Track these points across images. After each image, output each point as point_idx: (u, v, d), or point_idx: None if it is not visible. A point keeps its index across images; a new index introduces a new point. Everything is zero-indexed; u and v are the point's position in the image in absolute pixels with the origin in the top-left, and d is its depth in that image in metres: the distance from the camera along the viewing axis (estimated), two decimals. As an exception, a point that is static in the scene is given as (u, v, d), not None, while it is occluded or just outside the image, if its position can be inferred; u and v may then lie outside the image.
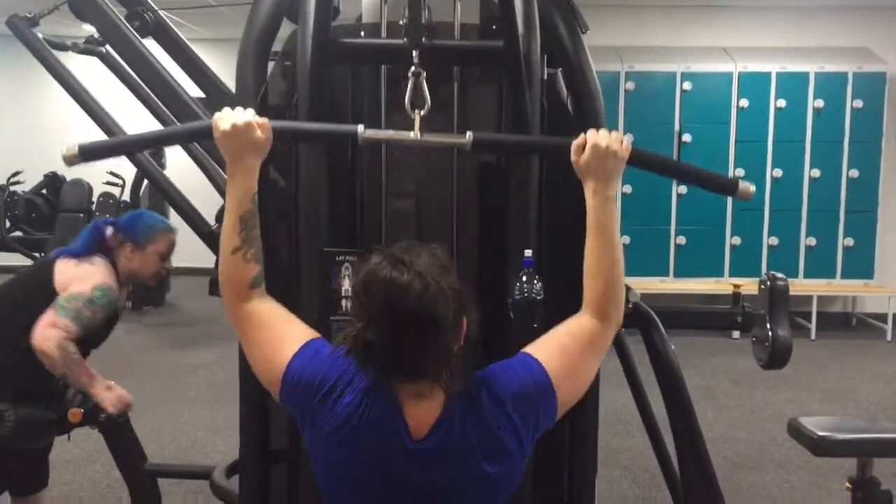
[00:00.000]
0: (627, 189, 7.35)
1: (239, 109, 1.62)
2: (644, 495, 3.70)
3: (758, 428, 4.84)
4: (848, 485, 2.76)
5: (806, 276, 7.53)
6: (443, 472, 1.39)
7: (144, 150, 1.84)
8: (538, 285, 2.03)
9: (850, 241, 7.59)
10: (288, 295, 2.27)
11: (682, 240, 7.62)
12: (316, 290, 2.21)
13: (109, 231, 2.81)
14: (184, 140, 1.80)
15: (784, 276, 2.52)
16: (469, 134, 1.72)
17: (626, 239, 7.23)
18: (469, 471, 1.39)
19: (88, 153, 1.74)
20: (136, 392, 3.48)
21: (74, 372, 2.61)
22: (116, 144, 1.92)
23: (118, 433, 2.82)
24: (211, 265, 2.56)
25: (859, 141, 7.52)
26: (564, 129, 2.29)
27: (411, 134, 1.79)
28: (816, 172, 7.54)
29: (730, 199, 7.59)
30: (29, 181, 8.43)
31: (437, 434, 1.38)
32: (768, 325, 2.45)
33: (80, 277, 2.65)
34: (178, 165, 3.36)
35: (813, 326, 7.41)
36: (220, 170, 2.79)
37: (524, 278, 2.03)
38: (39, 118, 10.22)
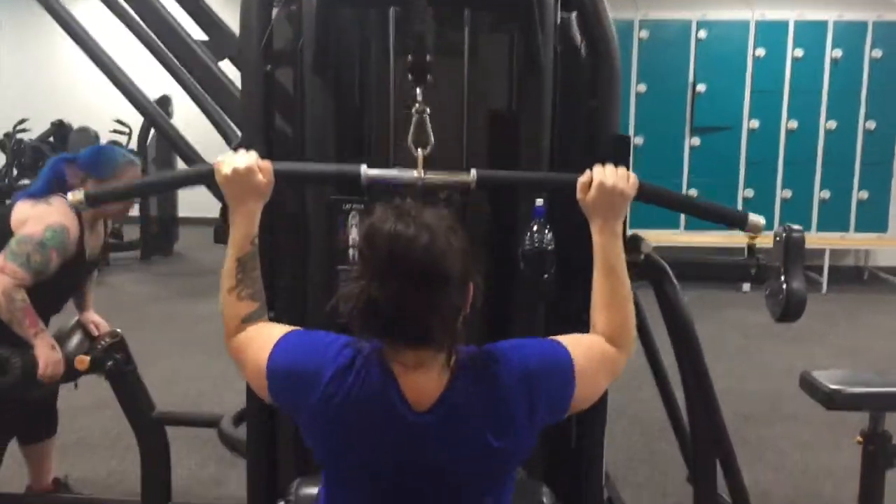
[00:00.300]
0: (639, 140, 7.26)
1: (241, 152, 1.60)
2: (653, 447, 3.70)
3: (767, 381, 4.82)
4: (859, 438, 2.74)
5: (819, 229, 7.47)
6: (446, 446, 1.34)
7: (147, 195, 1.88)
8: (549, 235, 1.99)
9: (864, 194, 7.52)
10: (295, 245, 2.27)
11: (693, 192, 7.53)
12: (323, 239, 2.19)
13: (70, 168, 2.72)
14: (186, 184, 1.84)
15: (800, 228, 2.47)
16: (473, 172, 1.69)
17: (638, 191, 7.16)
18: (474, 445, 1.34)
19: (93, 199, 1.82)
20: (144, 341, 3.49)
21: (19, 320, 2.53)
22: (120, 191, 2.02)
23: (125, 381, 2.82)
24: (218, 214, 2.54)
25: (877, 91, 7.40)
26: (578, 76, 2.24)
27: (414, 173, 1.76)
28: (832, 124, 7.43)
29: (743, 151, 7.52)
30: (35, 129, 8.39)
31: (442, 407, 1.33)
32: (782, 278, 2.41)
33: (34, 218, 2.58)
34: (186, 114, 3.31)
35: (825, 280, 7.37)
36: (229, 120, 2.74)
37: (535, 227, 2.00)
38: (45, 65, 10.14)
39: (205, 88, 2.63)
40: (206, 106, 2.84)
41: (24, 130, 8.34)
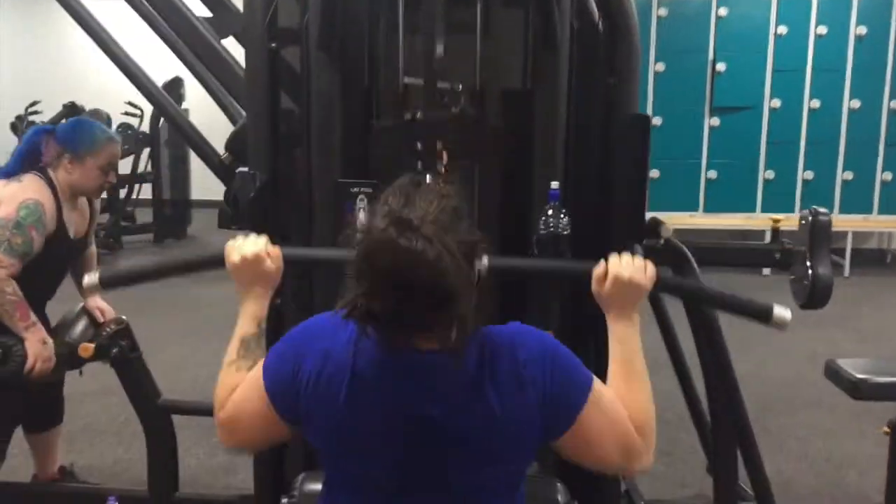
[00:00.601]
0: (657, 121, 7.12)
1: (251, 238, 1.59)
2: (671, 437, 3.61)
3: (789, 367, 4.72)
4: (886, 429, 2.65)
5: (841, 211, 7.31)
6: (453, 398, 1.27)
7: (160, 279, 1.95)
8: (565, 219, 1.94)
9: (888, 176, 7.36)
10: (303, 229, 2.21)
11: (713, 174, 7.41)
12: (330, 223, 2.13)
13: (48, 140, 2.62)
14: (198, 269, 1.89)
15: (827, 212, 2.38)
16: (484, 259, 1.59)
17: (655, 173, 7.04)
18: (478, 405, 1.27)
19: (108, 283, 1.87)
20: (155, 326, 3.43)
21: (9, 313, 2.45)
22: (134, 274, 2.06)
23: (131, 368, 2.76)
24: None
25: (903, 70, 7.22)
26: (595, 53, 2.15)
27: None
28: (856, 103, 7.26)
29: (764, 132, 7.38)
30: (47, 111, 8.35)
31: (452, 353, 1.26)
32: (808, 263, 2.33)
33: (6, 200, 2.48)
34: (198, 95, 3.23)
35: (847, 263, 7.24)
36: (237, 104, 2.67)
37: (550, 212, 1.95)
38: (58, 47, 10.11)
39: (208, 67, 2.56)
40: (212, 86, 2.77)
41: (35, 113, 8.31)
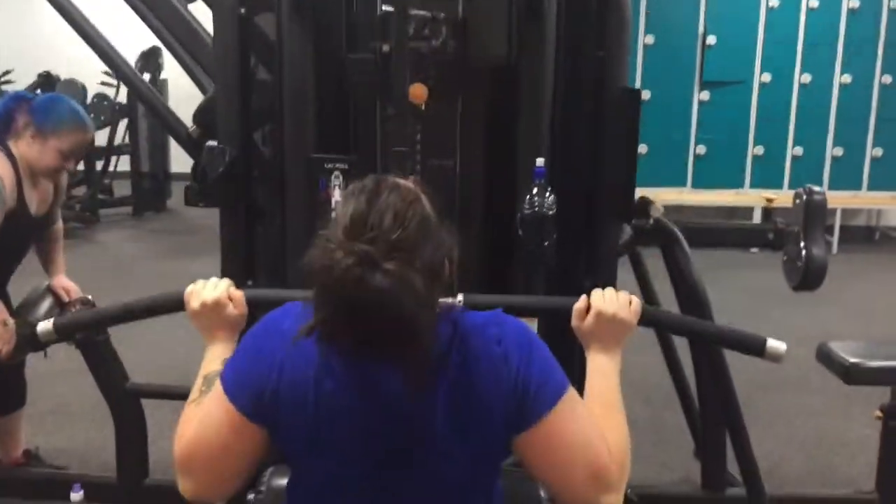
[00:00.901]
0: (646, 95, 7.02)
1: (213, 281, 1.53)
2: (657, 419, 3.55)
3: (776, 346, 4.66)
4: (878, 413, 2.61)
5: (831, 187, 7.23)
6: (420, 382, 1.18)
7: (116, 323, 1.91)
8: (550, 198, 1.87)
9: (878, 152, 7.30)
10: (275, 205, 2.12)
11: (701, 149, 7.33)
12: (302, 200, 2.04)
13: (23, 108, 2.52)
14: (154, 313, 1.79)
15: (822, 190, 2.31)
16: (460, 296, 1.53)
17: (643, 148, 6.95)
18: (452, 390, 1.19)
19: (62, 330, 1.82)
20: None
21: None
22: (90, 321, 2.04)
23: (97, 351, 2.65)
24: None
25: (895, 44, 7.13)
26: (583, 24, 2.06)
27: None
28: (847, 78, 7.18)
29: (754, 106, 7.31)
30: (21, 81, 8.17)
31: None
32: (802, 243, 2.26)
33: None
34: (177, 68, 3.12)
35: (835, 240, 7.20)
36: (209, 77, 2.57)
37: (535, 190, 1.89)
38: (31, 14, 9.87)
39: (173, 34, 2.46)
40: (182, 55, 2.67)
41: (8, 82, 8.14)
